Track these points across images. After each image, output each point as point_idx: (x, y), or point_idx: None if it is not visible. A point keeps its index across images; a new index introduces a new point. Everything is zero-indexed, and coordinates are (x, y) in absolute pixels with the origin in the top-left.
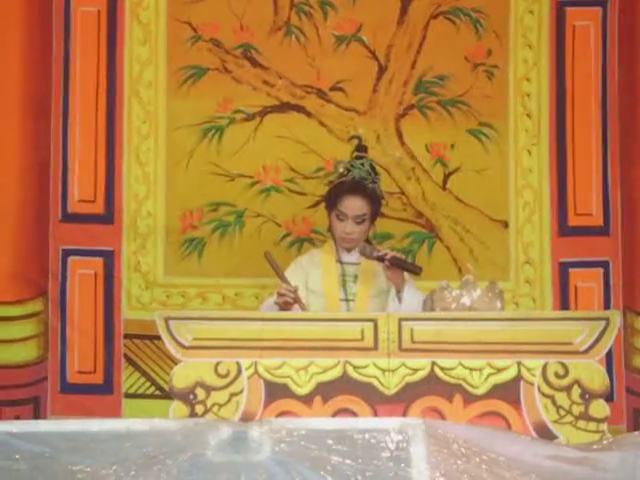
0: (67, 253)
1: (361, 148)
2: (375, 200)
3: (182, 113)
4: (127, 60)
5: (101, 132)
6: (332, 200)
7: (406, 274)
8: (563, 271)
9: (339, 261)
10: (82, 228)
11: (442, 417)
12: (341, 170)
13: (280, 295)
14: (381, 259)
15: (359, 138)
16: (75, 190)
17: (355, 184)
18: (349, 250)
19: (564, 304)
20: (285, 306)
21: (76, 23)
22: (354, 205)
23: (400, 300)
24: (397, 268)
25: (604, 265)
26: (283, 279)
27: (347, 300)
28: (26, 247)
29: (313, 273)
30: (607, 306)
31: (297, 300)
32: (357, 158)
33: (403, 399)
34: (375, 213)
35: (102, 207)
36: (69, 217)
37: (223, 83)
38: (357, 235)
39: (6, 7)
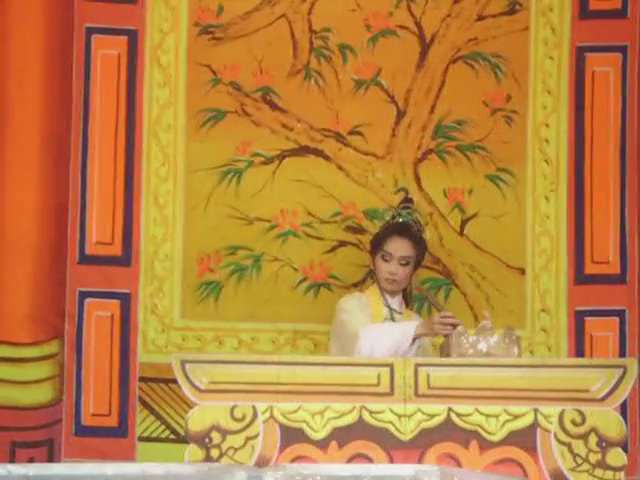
0: (84, 295)
1: (408, 200)
2: (420, 245)
3: (201, 156)
4: (146, 102)
5: (120, 174)
6: (379, 241)
7: None
8: (579, 320)
9: (386, 305)
10: (99, 270)
11: (458, 463)
12: (387, 218)
13: (442, 324)
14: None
15: (406, 191)
16: (93, 232)
17: (402, 226)
18: (392, 294)
19: (579, 353)
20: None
21: (96, 66)
22: (400, 246)
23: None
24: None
25: (620, 314)
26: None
27: None
28: (43, 288)
29: (364, 313)
30: (622, 356)
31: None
32: (404, 208)
33: (419, 445)
34: (419, 260)
35: (120, 249)
36: (86, 259)
37: (242, 126)
38: (400, 277)
39: (27, 49)
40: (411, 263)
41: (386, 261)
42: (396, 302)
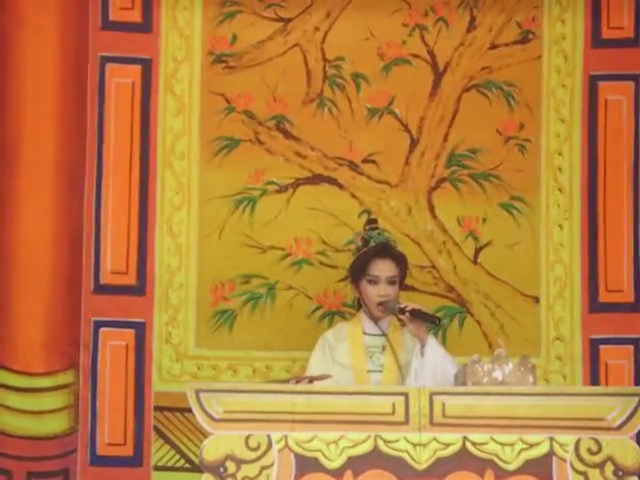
0: (99, 324)
1: (372, 221)
2: (402, 263)
3: (215, 184)
4: (160, 131)
5: (134, 203)
6: (361, 268)
7: None
8: (594, 348)
9: (366, 333)
10: (114, 299)
11: None
12: (360, 243)
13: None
14: (402, 312)
15: (368, 212)
16: (107, 261)
17: (382, 247)
18: (385, 316)
19: (594, 381)
20: None
21: (110, 94)
22: (385, 267)
23: (422, 354)
24: (417, 320)
25: (635, 342)
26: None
27: (375, 371)
28: (58, 318)
29: (340, 346)
30: (638, 384)
31: (311, 380)
32: (372, 229)
33: (434, 474)
34: (403, 278)
35: (134, 278)
36: (101, 288)
37: (256, 154)
38: (392, 297)
39: (42, 78)
40: (397, 282)
41: (374, 284)
42: (383, 324)
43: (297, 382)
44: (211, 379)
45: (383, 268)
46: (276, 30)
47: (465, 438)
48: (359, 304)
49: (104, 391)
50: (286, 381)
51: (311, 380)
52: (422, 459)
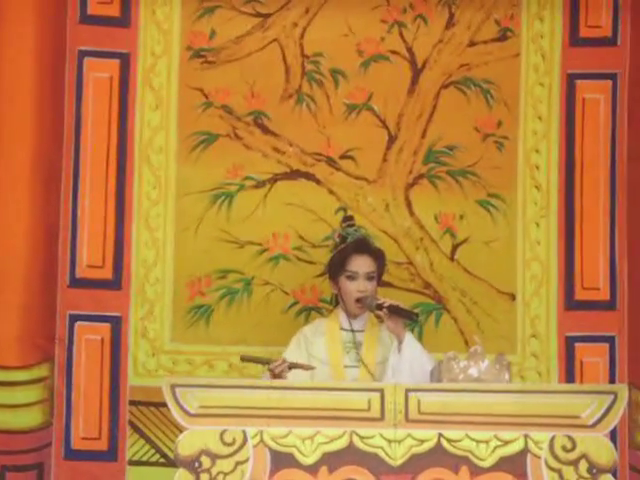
0: (74, 318)
1: (348, 218)
2: (380, 258)
3: (192, 179)
4: (138, 125)
5: (111, 197)
6: (339, 264)
7: None
8: (569, 345)
9: (343, 329)
10: (90, 293)
11: None
12: (337, 240)
13: (272, 371)
14: (380, 308)
15: (344, 209)
16: (84, 255)
17: (360, 242)
18: (363, 313)
19: (569, 379)
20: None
21: (88, 88)
22: (364, 262)
23: (400, 351)
24: (396, 315)
25: (610, 340)
26: (265, 361)
27: (352, 367)
28: (33, 312)
29: (317, 341)
30: (612, 382)
31: (293, 366)
32: (348, 226)
33: (409, 470)
34: (380, 273)
35: (110, 272)
36: (77, 282)
37: (233, 150)
38: (370, 293)
39: (19, 72)
40: (375, 278)
41: (353, 280)
42: (359, 322)
43: (279, 365)
44: (187, 374)
45: (361, 264)
46: (255, 25)
47: (440, 435)
48: (336, 300)
49: (79, 385)
50: (267, 361)
51: (291, 366)
52: (397, 455)
